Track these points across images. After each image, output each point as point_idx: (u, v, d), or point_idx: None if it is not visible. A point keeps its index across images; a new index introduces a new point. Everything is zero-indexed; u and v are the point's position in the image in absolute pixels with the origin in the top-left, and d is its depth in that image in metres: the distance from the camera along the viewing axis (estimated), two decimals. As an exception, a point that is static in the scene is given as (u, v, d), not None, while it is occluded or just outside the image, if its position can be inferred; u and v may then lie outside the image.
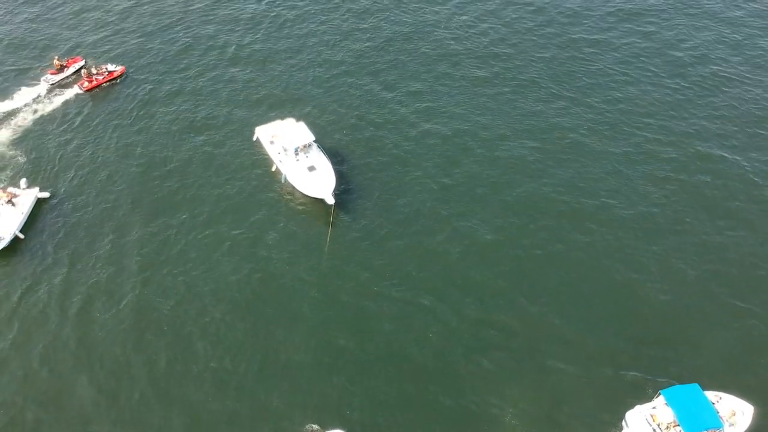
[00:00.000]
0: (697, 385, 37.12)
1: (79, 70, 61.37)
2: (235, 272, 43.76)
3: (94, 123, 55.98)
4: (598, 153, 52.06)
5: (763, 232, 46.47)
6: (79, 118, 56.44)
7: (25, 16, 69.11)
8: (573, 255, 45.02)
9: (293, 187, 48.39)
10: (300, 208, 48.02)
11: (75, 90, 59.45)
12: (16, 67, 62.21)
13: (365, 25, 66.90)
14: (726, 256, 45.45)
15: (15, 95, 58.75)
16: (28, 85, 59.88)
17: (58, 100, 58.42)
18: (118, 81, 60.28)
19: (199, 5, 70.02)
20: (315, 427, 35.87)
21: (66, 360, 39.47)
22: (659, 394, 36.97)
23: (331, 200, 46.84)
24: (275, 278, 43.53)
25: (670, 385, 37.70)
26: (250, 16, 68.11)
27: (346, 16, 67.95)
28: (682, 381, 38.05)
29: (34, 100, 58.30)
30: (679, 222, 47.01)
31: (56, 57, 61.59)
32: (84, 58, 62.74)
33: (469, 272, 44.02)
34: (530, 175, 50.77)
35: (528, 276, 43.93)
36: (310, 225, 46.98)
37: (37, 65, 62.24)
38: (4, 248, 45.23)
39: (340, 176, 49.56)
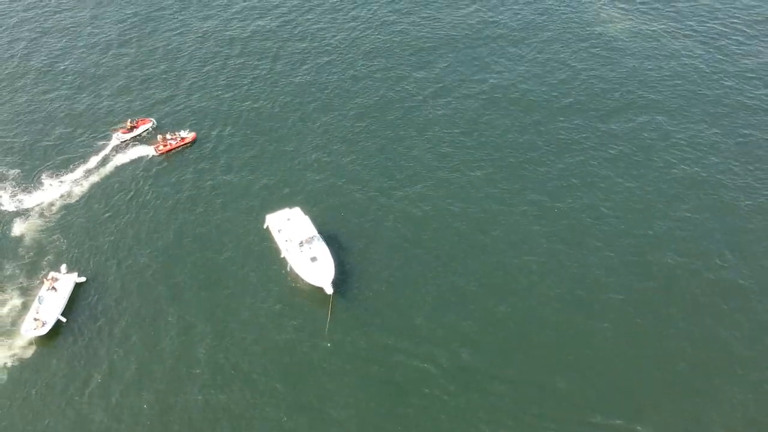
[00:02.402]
0: None
1: (147, 130, 68.03)
2: (249, 351, 49.54)
3: (143, 199, 61.33)
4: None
5: None
6: (126, 192, 62.26)
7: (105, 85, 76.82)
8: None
9: (297, 276, 53.30)
10: (304, 294, 52.81)
11: (147, 152, 65.69)
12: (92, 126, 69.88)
13: (368, 116, 70.19)
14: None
15: (87, 154, 65.80)
16: (99, 143, 67.13)
17: (122, 161, 65.12)
18: (189, 147, 66.32)
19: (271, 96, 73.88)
20: None
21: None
22: None
23: (330, 290, 50.85)
24: (282, 356, 49.15)
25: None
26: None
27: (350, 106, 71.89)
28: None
29: (103, 159, 65.11)
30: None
31: (129, 119, 68.34)
32: (153, 119, 69.26)
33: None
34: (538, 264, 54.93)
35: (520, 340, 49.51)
36: (312, 311, 51.58)
37: (110, 126, 69.33)
38: (48, 331, 51.21)
39: (341, 265, 53.55)
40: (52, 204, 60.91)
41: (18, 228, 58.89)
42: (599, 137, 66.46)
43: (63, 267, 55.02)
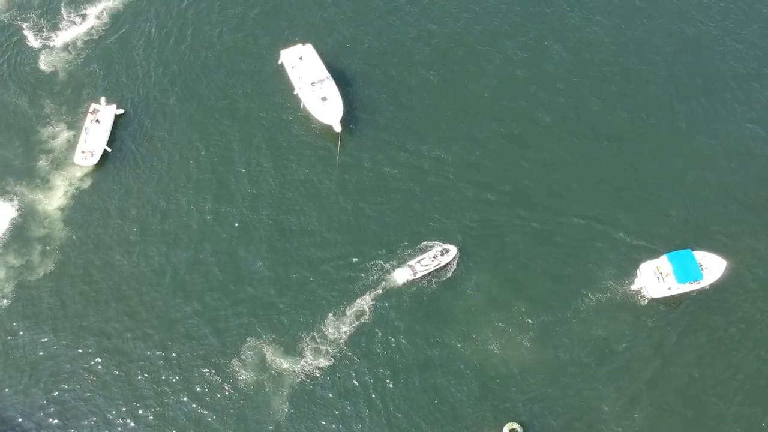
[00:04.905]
0: (689, 250, 54.07)
1: None
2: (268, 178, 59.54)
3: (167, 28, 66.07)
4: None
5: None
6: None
7: None
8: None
9: (309, 113, 60.66)
10: (315, 131, 61.21)
11: None
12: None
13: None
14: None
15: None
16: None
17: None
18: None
19: None
20: None
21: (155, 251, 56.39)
22: (663, 254, 53.96)
23: (338, 128, 59.38)
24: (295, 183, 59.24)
25: (671, 249, 54.58)
26: None
27: None
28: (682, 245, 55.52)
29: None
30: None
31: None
32: None
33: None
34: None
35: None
36: (325, 146, 60.67)
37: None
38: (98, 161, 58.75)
39: (349, 103, 61.10)
40: (76, 39, 65.03)
41: (48, 64, 63.85)
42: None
43: (102, 100, 60.91)
